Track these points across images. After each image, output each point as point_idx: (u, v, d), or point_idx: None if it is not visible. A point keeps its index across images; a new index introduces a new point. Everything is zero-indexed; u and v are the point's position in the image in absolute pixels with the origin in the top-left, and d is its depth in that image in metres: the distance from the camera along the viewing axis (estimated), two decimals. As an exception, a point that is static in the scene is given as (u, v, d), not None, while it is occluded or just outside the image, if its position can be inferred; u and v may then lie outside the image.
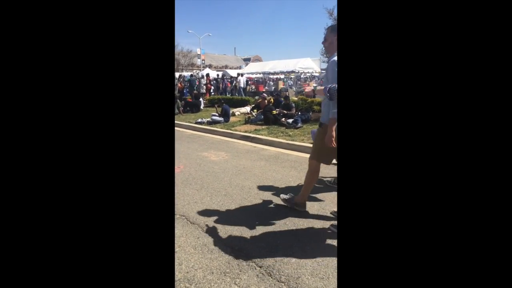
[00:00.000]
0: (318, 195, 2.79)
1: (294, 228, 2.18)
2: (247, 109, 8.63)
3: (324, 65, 14.10)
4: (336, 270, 1.67)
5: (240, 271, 1.69)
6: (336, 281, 1.58)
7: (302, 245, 1.94)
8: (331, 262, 1.75)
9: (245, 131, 5.77)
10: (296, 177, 3.34)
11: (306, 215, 2.39)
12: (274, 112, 6.76)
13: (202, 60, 28.76)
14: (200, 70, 24.74)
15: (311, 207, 2.54)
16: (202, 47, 28.44)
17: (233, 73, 20.32)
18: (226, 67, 34.79)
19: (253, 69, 18.51)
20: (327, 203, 2.62)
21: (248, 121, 7.01)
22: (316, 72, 16.69)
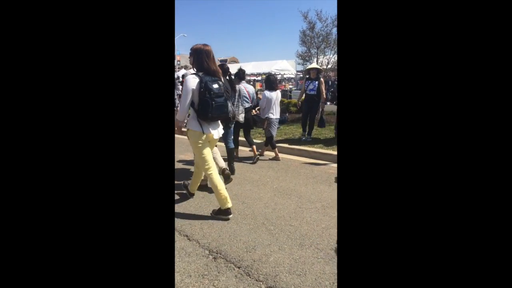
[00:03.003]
0: (296, 193, 2.85)
1: (272, 227, 2.21)
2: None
3: (300, 67, 14.40)
4: (312, 266, 1.72)
5: (218, 272, 1.68)
6: (312, 278, 1.63)
7: (280, 243, 1.98)
8: (308, 259, 1.79)
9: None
10: (274, 177, 3.39)
11: (284, 214, 2.43)
12: (254, 112, 6.78)
13: (178, 61, 28.19)
14: (175, 71, 24.23)
15: (288, 206, 2.59)
16: (177, 48, 27.87)
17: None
18: (203, 68, 34.29)
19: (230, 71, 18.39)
20: (303, 202, 2.68)
21: (225, 122, 6.96)
22: (292, 74, 16.98)
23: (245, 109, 3.86)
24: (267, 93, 4.05)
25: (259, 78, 19.15)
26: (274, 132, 4.15)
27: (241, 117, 3.83)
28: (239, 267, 1.72)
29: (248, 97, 3.90)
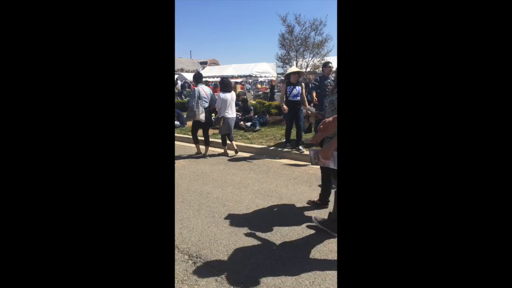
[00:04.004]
0: (276, 195, 2.87)
1: (253, 229, 2.21)
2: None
3: (280, 70, 14.54)
4: (293, 266, 1.74)
5: (198, 277, 1.66)
6: (293, 277, 1.64)
7: (261, 245, 1.98)
8: (288, 259, 1.81)
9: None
10: (255, 179, 3.40)
11: (265, 216, 2.44)
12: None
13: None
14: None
15: (269, 207, 2.60)
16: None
17: (189, 76, 19.90)
18: (182, 70, 33.90)
19: (210, 73, 18.35)
20: (284, 203, 2.70)
21: (206, 125, 6.91)
22: (272, 76, 17.14)
23: (205, 109, 4.36)
24: (221, 94, 4.40)
25: (239, 80, 19.19)
26: (231, 130, 4.51)
27: (202, 117, 4.34)
28: (219, 271, 1.71)
29: (206, 97, 4.40)
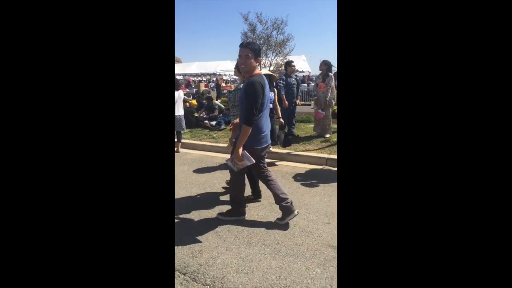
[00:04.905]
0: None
1: (219, 229, 2.18)
2: (167, 112, 8.19)
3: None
4: (260, 263, 1.75)
5: (162, 283, 1.59)
6: (260, 273, 1.66)
7: (227, 244, 1.97)
8: (255, 256, 1.82)
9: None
10: (221, 178, 3.36)
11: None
12: (196, 114, 6.63)
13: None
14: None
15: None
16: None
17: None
18: (142, 68, 32.18)
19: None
20: (250, 200, 2.72)
21: (169, 125, 6.67)
22: (219, 74, 17.04)
23: None
24: None
25: (204, 79, 18.81)
26: (180, 128, 4.61)
27: None
28: (184, 274, 1.66)
29: None
